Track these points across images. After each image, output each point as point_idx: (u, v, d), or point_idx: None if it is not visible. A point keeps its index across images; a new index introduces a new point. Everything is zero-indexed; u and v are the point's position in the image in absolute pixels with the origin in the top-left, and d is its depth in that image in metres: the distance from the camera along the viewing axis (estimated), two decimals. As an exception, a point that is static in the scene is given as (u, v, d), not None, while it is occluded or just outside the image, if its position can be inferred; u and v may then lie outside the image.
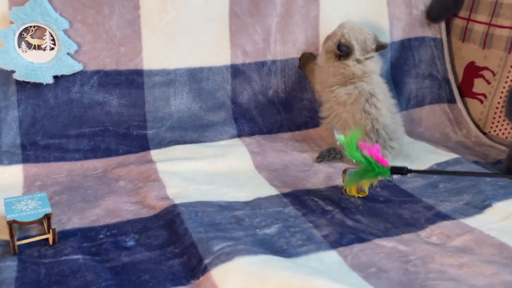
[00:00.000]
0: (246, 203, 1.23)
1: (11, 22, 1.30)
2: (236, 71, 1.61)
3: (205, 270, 0.94)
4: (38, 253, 1.00)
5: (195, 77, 1.56)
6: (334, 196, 1.28)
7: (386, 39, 1.77)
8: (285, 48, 1.67)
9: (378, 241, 1.08)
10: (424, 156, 1.56)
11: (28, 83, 1.35)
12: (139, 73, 1.48)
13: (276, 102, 1.67)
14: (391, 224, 1.16)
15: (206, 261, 0.95)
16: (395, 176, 1.26)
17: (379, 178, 1.23)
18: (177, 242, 1.04)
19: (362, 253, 1.04)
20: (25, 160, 1.35)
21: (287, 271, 0.91)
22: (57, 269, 0.95)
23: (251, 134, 1.62)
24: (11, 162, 1.34)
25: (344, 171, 1.28)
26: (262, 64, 1.64)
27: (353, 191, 1.28)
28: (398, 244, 1.07)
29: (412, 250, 1.04)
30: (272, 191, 1.32)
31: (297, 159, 1.55)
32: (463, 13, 1.82)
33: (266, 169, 1.47)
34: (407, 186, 1.35)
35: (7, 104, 1.34)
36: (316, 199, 1.26)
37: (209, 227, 1.08)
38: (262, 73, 1.65)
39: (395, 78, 1.80)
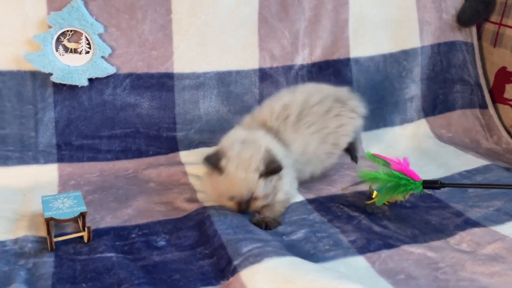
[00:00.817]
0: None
1: (49, 27, 1.35)
2: (263, 74, 1.63)
3: (234, 271, 0.95)
4: (74, 250, 1.04)
5: (223, 80, 1.58)
6: (359, 202, 1.28)
7: (416, 43, 1.76)
8: (313, 52, 1.67)
9: (406, 248, 1.08)
10: (454, 161, 1.55)
11: (64, 85, 1.40)
12: (169, 76, 1.51)
13: (303, 105, 1.68)
14: (419, 230, 1.15)
15: (235, 262, 0.97)
16: (426, 190, 1.21)
17: (411, 192, 1.19)
18: (207, 243, 1.07)
19: (390, 259, 1.04)
20: (60, 159, 1.40)
21: (315, 274, 0.92)
22: (92, 266, 0.98)
23: (278, 137, 1.64)
24: (47, 161, 1.39)
25: (370, 186, 1.23)
26: (290, 68, 1.65)
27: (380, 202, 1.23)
28: (427, 250, 1.06)
29: (442, 258, 1.03)
30: (297, 197, 1.32)
31: (324, 163, 1.55)
32: (494, 17, 1.79)
33: (293, 173, 1.48)
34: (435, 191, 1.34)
35: (44, 106, 1.39)
36: (341, 206, 1.26)
37: (238, 229, 1.09)
38: (289, 77, 1.66)
39: (425, 82, 1.79)
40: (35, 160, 1.38)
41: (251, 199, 1.16)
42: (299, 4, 1.62)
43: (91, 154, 1.43)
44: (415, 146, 1.69)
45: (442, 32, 1.79)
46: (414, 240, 1.11)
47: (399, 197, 1.20)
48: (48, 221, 1.04)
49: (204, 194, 1.25)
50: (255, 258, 0.97)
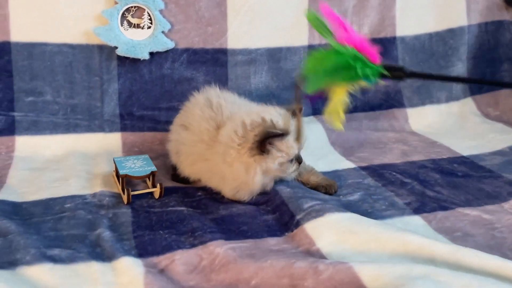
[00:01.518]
0: (324, 173, 1.30)
1: (116, 3, 1.44)
2: (312, 51, 1.67)
3: (297, 224, 1.01)
4: (147, 204, 1.12)
5: (273, 56, 1.64)
6: (411, 171, 1.32)
7: (463, 22, 1.77)
8: (360, 30, 1.71)
9: (461, 210, 1.11)
10: (500, 136, 1.56)
11: (127, 58, 1.48)
12: (223, 52, 1.58)
13: (351, 82, 1.72)
14: (472, 196, 1.18)
15: (298, 216, 1.03)
16: (382, 83, 0.90)
17: (361, 83, 0.84)
18: (268, 201, 1.13)
19: (446, 219, 1.08)
20: (123, 128, 1.49)
21: (377, 226, 0.97)
22: (166, 217, 1.06)
23: (326, 112, 1.69)
24: (111, 130, 1.48)
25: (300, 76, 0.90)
26: (338, 45, 1.70)
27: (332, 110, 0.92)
28: (482, 213, 1.09)
29: (497, 219, 1.07)
30: (349, 164, 1.38)
31: (371, 138, 1.60)
32: (543, -4, 1.78)
33: (341, 146, 1.53)
34: (486, 163, 1.36)
35: (109, 78, 1.49)
36: (394, 173, 1.30)
37: (297, 189, 1.15)
38: (337, 54, 1.71)
39: (471, 61, 1.80)
40: (101, 128, 1.47)
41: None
42: (349, -18, 1.66)
43: (151, 124, 1.52)
44: (461, 124, 1.71)
45: (490, 11, 1.80)
46: (468, 204, 1.14)
47: (345, 87, 0.87)
48: (123, 178, 1.12)
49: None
50: (317, 213, 1.02)
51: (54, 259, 0.88)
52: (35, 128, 1.42)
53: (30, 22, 1.40)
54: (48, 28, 1.42)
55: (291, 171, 1.13)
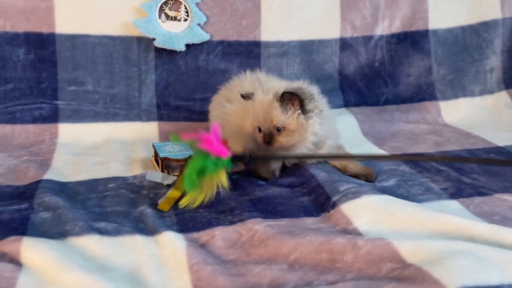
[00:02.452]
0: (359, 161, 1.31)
1: (154, -4, 1.50)
2: (344, 44, 1.69)
3: (334, 205, 1.03)
4: (185, 186, 1.15)
5: (306, 49, 1.66)
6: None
7: (497, 15, 1.75)
8: (393, 23, 1.72)
9: (499, 196, 1.10)
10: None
11: (164, 50, 1.53)
12: (257, 44, 1.62)
13: (383, 74, 1.72)
14: (510, 183, 1.17)
15: (334, 198, 1.04)
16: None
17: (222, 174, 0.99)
18: (303, 184, 1.15)
19: (484, 204, 1.07)
20: (160, 118, 1.54)
21: (414, 207, 0.97)
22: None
23: (357, 104, 1.70)
24: (148, 119, 1.53)
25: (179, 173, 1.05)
26: (369, 38, 1.71)
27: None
28: (521, 199, 1.08)
29: (538, 205, 1.05)
30: (383, 153, 1.38)
31: (403, 129, 1.60)
32: None
33: (374, 136, 1.53)
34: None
35: (147, 68, 1.54)
36: (429, 161, 1.30)
37: (332, 173, 1.17)
38: (368, 47, 1.72)
39: (506, 54, 1.77)
40: (138, 118, 1.52)
41: (275, 131, 1.14)
42: (381, -25, 1.67)
43: (187, 114, 1.56)
44: (495, 116, 1.69)
45: (525, 4, 1.78)
46: (506, 190, 1.12)
47: (210, 187, 1.00)
48: (163, 160, 1.16)
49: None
50: (354, 194, 1.03)
51: (100, 231, 0.92)
52: (76, 116, 1.49)
53: (73, 14, 1.47)
54: (90, 21, 1.49)
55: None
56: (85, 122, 1.48)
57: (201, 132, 1.00)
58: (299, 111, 1.16)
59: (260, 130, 1.17)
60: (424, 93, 1.74)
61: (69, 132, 1.45)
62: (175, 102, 1.56)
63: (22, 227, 0.91)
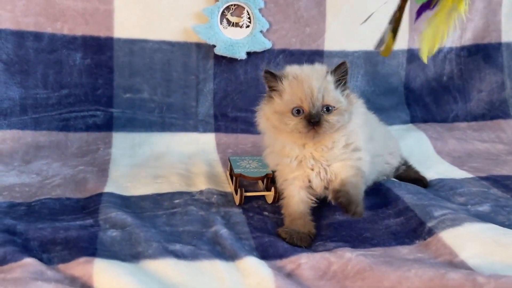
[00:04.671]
0: (440, 180, 1.20)
1: (216, 0, 1.41)
2: (411, 56, 1.58)
3: (430, 232, 0.91)
4: (258, 206, 1.05)
5: (371, 60, 1.56)
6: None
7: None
8: (463, 35, 1.61)
9: None
10: None
11: (224, 58, 1.45)
12: (319, 53, 1.52)
13: (452, 89, 1.61)
14: None
15: (430, 224, 0.93)
16: None
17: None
18: (388, 205, 1.03)
19: None
20: (217, 129, 1.45)
21: (529, 239, 0.85)
22: (281, 222, 0.98)
23: (425, 121, 1.58)
24: (205, 130, 1.44)
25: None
26: (439, 50, 1.59)
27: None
28: None
29: None
30: (465, 174, 1.26)
31: (479, 149, 1.47)
32: None
33: (449, 155, 1.41)
34: None
35: (205, 77, 1.46)
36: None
37: (419, 195, 1.05)
38: (437, 60, 1.61)
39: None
40: (195, 128, 1.44)
41: (323, 111, 0.94)
42: (452, -16, 1.56)
43: (244, 126, 1.46)
44: None
45: None
46: None
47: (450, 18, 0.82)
48: (237, 177, 1.06)
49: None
50: (453, 221, 0.92)
51: (176, 254, 0.82)
52: (131, 125, 1.41)
53: (133, 18, 1.40)
54: (149, 25, 1.41)
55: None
56: (139, 132, 1.40)
57: None
58: (349, 89, 1.00)
59: (298, 112, 0.95)
60: (496, 110, 1.61)
61: (123, 142, 1.37)
62: (233, 113, 1.47)
63: (91, 246, 0.82)
